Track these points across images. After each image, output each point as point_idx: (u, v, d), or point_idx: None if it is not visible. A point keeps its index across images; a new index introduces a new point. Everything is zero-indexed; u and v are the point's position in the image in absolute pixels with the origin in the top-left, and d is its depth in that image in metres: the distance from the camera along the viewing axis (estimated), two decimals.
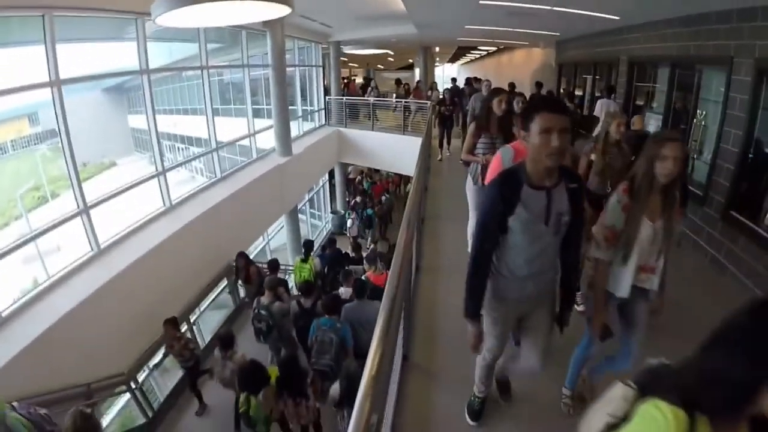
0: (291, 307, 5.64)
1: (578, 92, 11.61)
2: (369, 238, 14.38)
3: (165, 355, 6.05)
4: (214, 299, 7.88)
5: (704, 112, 5.85)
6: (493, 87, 5.99)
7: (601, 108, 7.74)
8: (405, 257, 2.54)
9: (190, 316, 6.89)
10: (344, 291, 5.94)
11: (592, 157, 3.88)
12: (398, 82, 16.04)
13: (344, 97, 14.73)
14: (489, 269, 2.11)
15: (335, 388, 3.93)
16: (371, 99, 14.34)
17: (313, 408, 4.36)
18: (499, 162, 2.99)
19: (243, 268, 7.35)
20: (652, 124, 7.13)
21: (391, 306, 1.90)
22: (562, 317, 2.29)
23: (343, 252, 9.71)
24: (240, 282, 7.78)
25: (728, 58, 4.96)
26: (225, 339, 5.15)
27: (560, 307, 2.29)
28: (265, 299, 5.53)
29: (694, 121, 6.04)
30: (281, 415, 4.36)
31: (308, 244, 8.34)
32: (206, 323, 7.43)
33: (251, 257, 10.22)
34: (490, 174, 3.04)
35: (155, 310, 5.87)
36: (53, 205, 5.82)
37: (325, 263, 8.46)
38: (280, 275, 6.93)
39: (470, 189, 4.39)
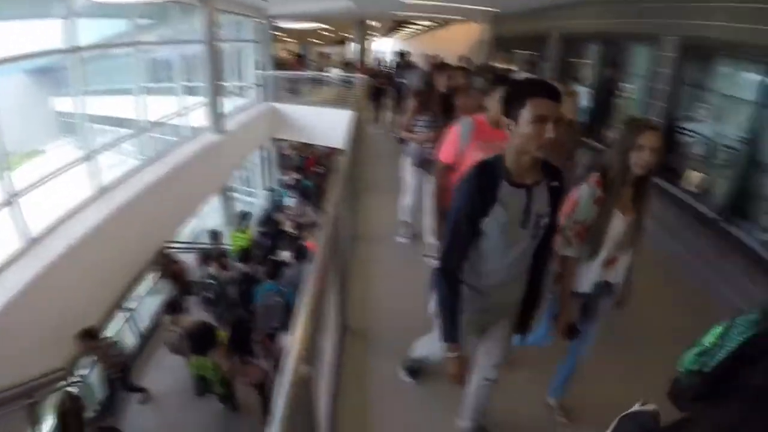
0: (232, 274, 5.93)
1: (513, 67, 11.87)
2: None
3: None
4: (149, 286, 7.54)
5: (630, 86, 6.17)
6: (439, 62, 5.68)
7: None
8: (336, 224, 2.64)
9: (128, 303, 6.60)
10: (285, 255, 5.99)
11: None
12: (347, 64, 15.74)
13: (279, 72, 14.35)
14: (461, 280, 1.82)
15: (283, 340, 4.29)
16: (308, 73, 14.11)
17: (262, 367, 4.54)
18: (456, 135, 2.72)
19: (167, 266, 6.47)
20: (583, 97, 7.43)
21: (321, 270, 1.93)
22: (525, 323, 2.10)
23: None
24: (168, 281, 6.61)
25: (655, 35, 5.23)
26: (172, 304, 5.39)
27: (523, 312, 2.06)
28: (212, 269, 5.91)
29: (620, 94, 6.37)
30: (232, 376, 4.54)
31: (245, 215, 8.17)
32: (144, 309, 7.10)
33: (186, 240, 9.93)
34: (446, 148, 2.80)
35: (93, 297, 5.67)
36: None
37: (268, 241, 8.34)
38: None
39: (407, 168, 4.25)
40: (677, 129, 5.06)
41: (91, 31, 6.71)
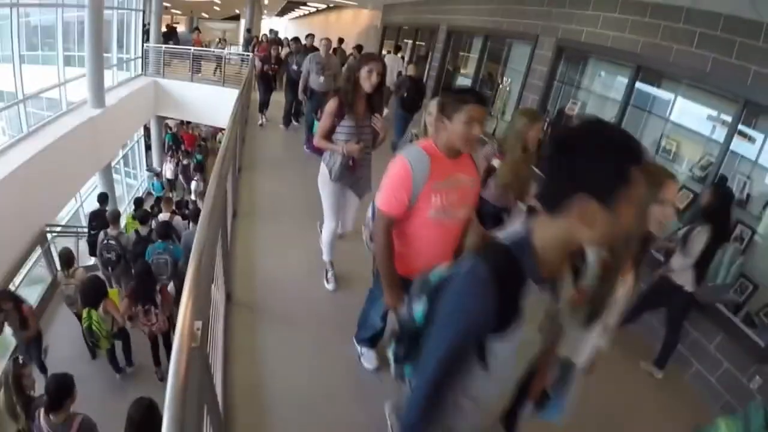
0: (130, 236, 6.27)
1: (400, 54, 12.44)
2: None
3: None
4: (27, 273, 6.97)
5: (509, 79, 6.97)
6: (364, 52, 4.86)
7: (392, 68, 8.51)
8: (218, 199, 2.71)
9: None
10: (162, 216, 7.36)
11: (495, 163, 3.21)
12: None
13: (164, 45, 13.60)
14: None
15: (171, 288, 5.28)
16: (199, 49, 13.59)
17: (162, 317, 4.89)
18: (407, 176, 1.95)
19: (13, 311, 4.94)
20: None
21: (202, 242, 1.99)
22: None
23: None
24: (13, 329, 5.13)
25: (534, 35, 6.00)
26: (65, 257, 5.59)
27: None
28: (112, 231, 6.12)
29: (500, 86, 7.17)
30: (123, 331, 4.95)
31: (138, 202, 7.96)
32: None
33: (64, 222, 9.22)
34: (393, 194, 2.01)
35: None
36: None
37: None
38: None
39: (325, 184, 3.37)
40: (549, 122, 5.87)
41: None
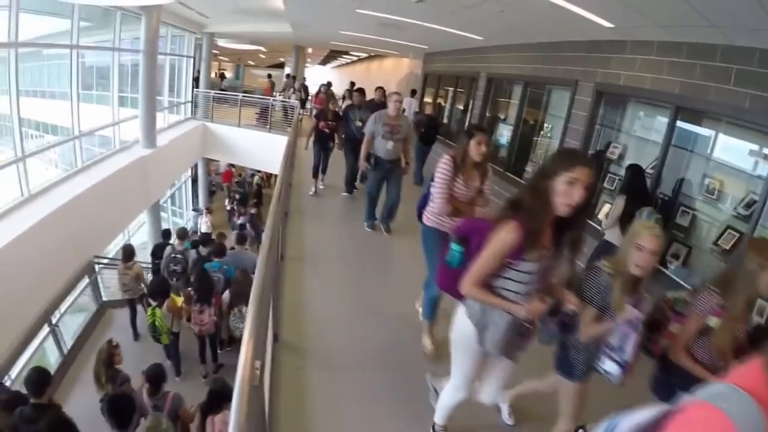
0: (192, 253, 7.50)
1: (440, 101, 12.69)
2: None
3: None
4: (74, 301, 7.22)
5: (550, 125, 6.95)
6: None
7: (409, 106, 8.66)
8: (272, 246, 2.85)
9: (51, 318, 6.26)
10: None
11: (711, 321, 2.21)
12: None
13: (213, 91, 14.36)
14: None
15: (226, 295, 5.83)
16: (240, 95, 14.29)
17: (212, 318, 5.71)
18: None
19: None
20: (504, 135, 8.21)
21: (261, 285, 2.13)
22: None
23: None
24: None
25: (574, 81, 6.01)
26: (127, 250, 6.92)
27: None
28: (178, 246, 7.38)
29: (541, 132, 7.15)
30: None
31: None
32: (67, 327, 6.78)
33: (112, 255, 9.56)
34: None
35: (12, 312, 5.35)
36: None
37: None
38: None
39: (465, 347, 2.22)
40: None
41: (29, 28, 6.54)
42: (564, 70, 6.33)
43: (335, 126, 7.46)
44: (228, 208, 16.35)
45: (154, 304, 5.65)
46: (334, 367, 3.31)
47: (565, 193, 1.76)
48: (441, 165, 3.21)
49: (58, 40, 7.65)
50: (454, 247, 2.18)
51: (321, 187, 7.60)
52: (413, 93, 12.36)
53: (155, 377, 4.19)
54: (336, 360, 3.39)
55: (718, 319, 2.19)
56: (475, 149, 3.15)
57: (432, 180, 3.32)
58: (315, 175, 7.50)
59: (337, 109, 7.95)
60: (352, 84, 14.19)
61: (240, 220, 13.47)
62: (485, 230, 2.00)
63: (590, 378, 2.36)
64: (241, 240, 7.43)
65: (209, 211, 14.39)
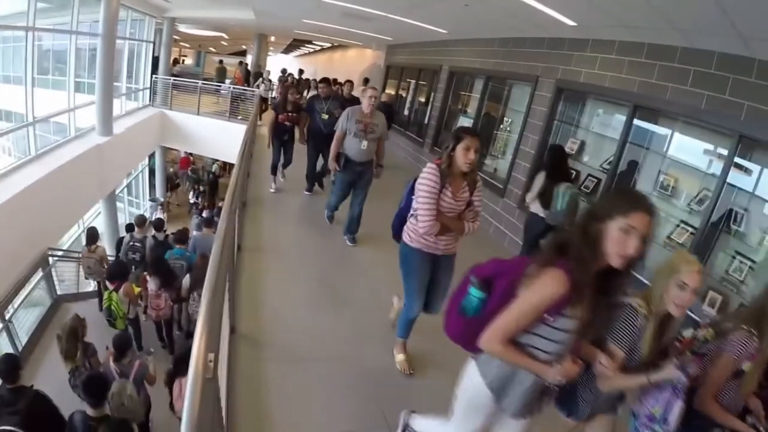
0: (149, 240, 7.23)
1: (402, 93, 12.77)
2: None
3: None
4: (27, 295, 6.97)
5: (510, 120, 7.11)
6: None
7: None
8: (227, 236, 2.83)
9: (5, 313, 6.05)
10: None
11: (745, 366, 2.01)
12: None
13: (172, 78, 13.98)
14: None
15: (186, 280, 5.83)
16: (200, 82, 14.01)
17: (169, 303, 5.84)
18: None
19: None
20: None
21: (215, 275, 2.10)
22: None
23: None
24: None
25: (535, 77, 6.16)
26: (90, 234, 7.09)
27: None
28: (138, 234, 7.20)
29: (501, 126, 7.31)
30: (135, 321, 5.80)
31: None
32: (21, 322, 6.53)
33: (66, 246, 9.23)
34: None
35: None
36: None
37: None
38: None
39: (474, 407, 1.92)
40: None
41: None
42: (526, 65, 6.49)
43: (296, 118, 6.96)
44: (192, 200, 16.01)
45: (111, 287, 5.56)
46: (293, 358, 3.31)
47: (619, 241, 1.47)
48: (425, 176, 2.78)
49: (13, 22, 7.30)
50: (474, 292, 1.82)
51: (282, 180, 7.25)
52: (365, 81, 12.52)
53: (121, 344, 4.28)
54: (294, 351, 3.40)
55: (752, 362, 1.97)
56: (463, 156, 2.72)
57: (411, 192, 3.00)
58: (274, 172, 7.11)
59: (298, 100, 7.23)
60: (301, 71, 13.81)
61: (206, 215, 13.03)
62: (515, 274, 1.68)
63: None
64: (208, 223, 7.41)
65: (165, 207, 14.25)
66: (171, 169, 17.42)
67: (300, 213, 6.66)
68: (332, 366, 3.27)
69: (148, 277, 5.84)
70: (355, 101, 6.21)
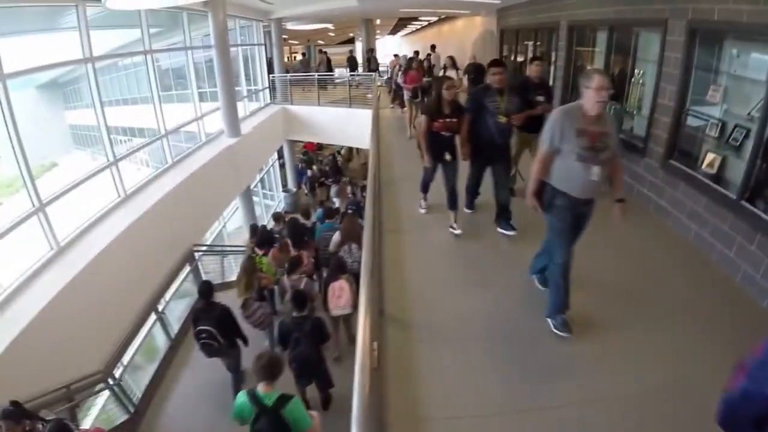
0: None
1: (520, 58, 11.92)
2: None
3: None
4: (177, 288, 7.74)
5: (641, 71, 6.22)
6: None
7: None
8: (375, 217, 2.80)
9: (158, 306, 6.76)
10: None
11: None
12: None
13: (288, 74, 14.62)
14: None
15: (336, 236, 6.14)
16: (316, 74, 14.41)
17: (311, 260, 6.52)
18: None
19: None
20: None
21: (370, 258, 2.09)
22: None
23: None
24: None
25: (663, 20, 5.29)
26: (253, 228, 8.35)
27: None
28: (275, 227, 8.26)
29: (632, 79, 6.43)
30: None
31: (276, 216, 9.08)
32: (172, 313, 7.30)
33: (209, 242, 10.12)
34: None
35: (122, 302, 5.83)
36: None
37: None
38: None
39: None
40: (690, 112, 5.12)
41: (103, 42, 6.93)
42: (650, 9, 5.61)
43: (457, 124, 4.71)
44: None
45: (260, 252, 6.47)
46: (441, 339, 3.33)
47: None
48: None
49: (131, 49, 8.05)
50: None
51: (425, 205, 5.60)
52: (433, 48, 12.88)
53: (292, 263, 5.66)
54: (442, 332, 3.41)
55: None
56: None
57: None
58: (425, 190, 5.47)
59: (455, 97, 4.84)
60: (417, 53, 13.01)
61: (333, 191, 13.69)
62: None
63: None
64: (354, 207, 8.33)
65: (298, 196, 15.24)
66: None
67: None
68: (480, 346, 3.26)
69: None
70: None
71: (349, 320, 5.46)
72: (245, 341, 5.40)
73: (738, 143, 4.43)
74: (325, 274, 6.06)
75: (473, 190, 5.25)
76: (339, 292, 5.01)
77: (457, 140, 4.81)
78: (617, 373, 2.93)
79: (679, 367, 2.94)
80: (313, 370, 4.56)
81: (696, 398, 2.43)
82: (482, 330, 3.42)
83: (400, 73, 10.75)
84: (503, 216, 4.82)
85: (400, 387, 2.85)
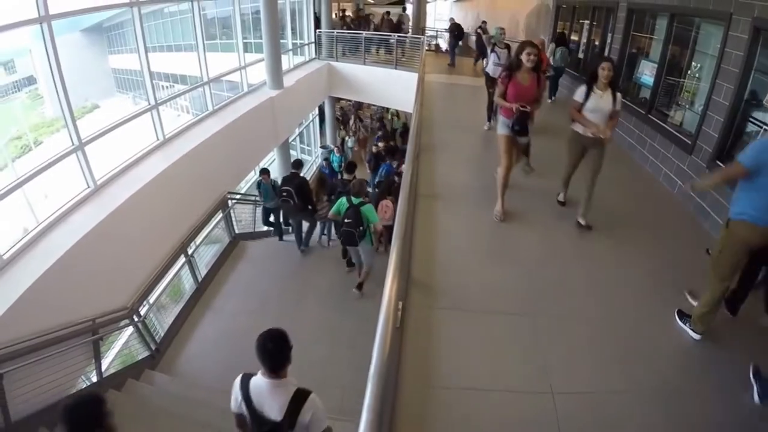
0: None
1: (575, 37, 11.41)
2: None
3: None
4: (208, 233, 7.96)
5: (698, 65, 5.89)
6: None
7: None
8: (412, 185, 2.89)
9: (188, 249, 6.98)
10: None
11: None
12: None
13: (335, 31, 14.39)
14: None
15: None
16: (364, 33, 14.18)
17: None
18: None
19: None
20: (646, 74, 7.20)
21: (403, 222, 2.11)
22: None
23: None
24: None
25: (727, 14, 4.96)
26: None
27: None
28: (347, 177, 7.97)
29: (688, 72, 6.10)
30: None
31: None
32: (201, 257, 7.54)
33: (244, 190, 10.28)
34: None
35: (153, 244, 6.06)
36: (38, 152, 5.58)
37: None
38: None
39: None
40: (747, 116, 4.85)
41: None
42: (715, 1, 5.25)
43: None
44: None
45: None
46: (464, 309, 3.38)
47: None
48: None
49: None
50: None
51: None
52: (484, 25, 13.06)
53: (349, 164, 7.46)
54: (465, 302, 3.45)
55: None
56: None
57: None
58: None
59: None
60: (484, 23, 12.95)
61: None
62: None
63: None
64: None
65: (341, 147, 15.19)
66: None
67: (473, 155, 6.82)
68: (502, 321, 3.30)
69: None
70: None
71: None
72: (314, 209, 7.54)
73: None
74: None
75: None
76: (385, 208, 6.44)
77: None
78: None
79: None
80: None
81: None
82: (508, 305, 3.45)
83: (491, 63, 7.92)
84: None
85: (417, 351, 2.90)
